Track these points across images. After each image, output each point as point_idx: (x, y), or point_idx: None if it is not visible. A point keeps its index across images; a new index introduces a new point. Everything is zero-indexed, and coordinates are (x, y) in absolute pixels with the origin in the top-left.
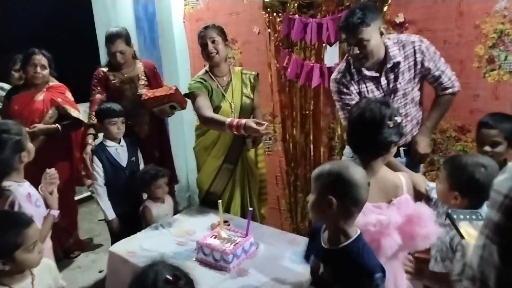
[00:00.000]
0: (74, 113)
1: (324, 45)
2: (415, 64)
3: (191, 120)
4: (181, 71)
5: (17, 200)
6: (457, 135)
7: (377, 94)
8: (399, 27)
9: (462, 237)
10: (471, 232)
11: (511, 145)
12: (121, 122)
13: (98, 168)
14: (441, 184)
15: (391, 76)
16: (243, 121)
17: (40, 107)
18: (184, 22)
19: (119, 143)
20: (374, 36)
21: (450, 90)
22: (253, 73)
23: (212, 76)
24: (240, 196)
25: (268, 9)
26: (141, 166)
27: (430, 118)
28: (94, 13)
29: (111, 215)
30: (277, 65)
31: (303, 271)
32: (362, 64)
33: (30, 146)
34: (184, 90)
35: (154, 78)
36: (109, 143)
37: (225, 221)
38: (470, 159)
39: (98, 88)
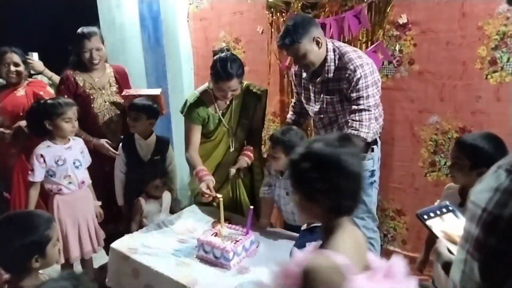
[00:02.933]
0: None
1: None
2: (345, 89)
3: None
4: (184, 69)
5: (33, 154)
6: (459, 136)
7: (311, 97)
8: (402, 28)
9: (435, 236)
10: (444, 227)
11: (474, 167)
12: (134, 118)
13: (121, 155)
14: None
15: (324, 88)
16: (204, 177)
17: (23, 101)
18: (188, 21)
19: (146, 138)
20: (309, 48)
21: (352, 132)
22: (260, 89)
23: (213, 96)
24: (231, 201)
25: (272, 9)
26: (172, 165)
27: None
28: (99, 12)
29: (120, 201)
30: (280, 65)
31: None
32: (306, 71)
33: (64, 124)
34: (187, 88)
35: (124, 83)
36: (136, 136)
37: (226, 219)
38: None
39: (66, 96)
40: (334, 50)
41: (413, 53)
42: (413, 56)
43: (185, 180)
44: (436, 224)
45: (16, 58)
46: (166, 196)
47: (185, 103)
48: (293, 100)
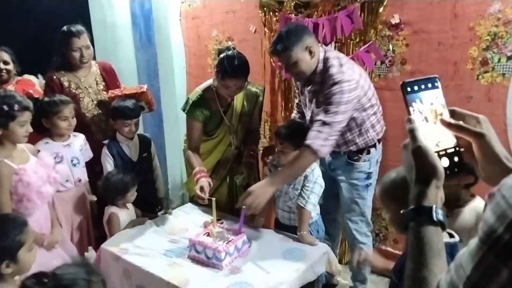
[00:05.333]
0: None
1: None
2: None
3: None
4: (176, 68)
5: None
6: None
7: (306, 103)
8: (395, 28)
9: (409, 113)
10: (423, 107)
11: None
12: (134, 123)
13: (107, 163)
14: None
15: (313, 97)
16: (201, 180)
17: None
18: (180, 19)
19: (131, 139)
20: (301, 57)
21: (307, 142)
22: (259, 88)
23: (216, 94)
24: (228, 200)
25: (265, 8)
26: (154, 162)
27: (282, 169)
28: (90, 10)
29: None
30: (273, 64)
31: (296, 268)
32: (297, 80)
33: (60, 122)
34: (179, 87)
35: (112, 79)
36: (121, 138)
37: (218, 219)
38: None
39: None
40: (324, 61)
41: (405, 53)
42: (405, 56)
43: (177, 179)
44: (416, 102)
45: (5, 56)
46: (131, 206)
47: (187, 101)
48: (296, 100)
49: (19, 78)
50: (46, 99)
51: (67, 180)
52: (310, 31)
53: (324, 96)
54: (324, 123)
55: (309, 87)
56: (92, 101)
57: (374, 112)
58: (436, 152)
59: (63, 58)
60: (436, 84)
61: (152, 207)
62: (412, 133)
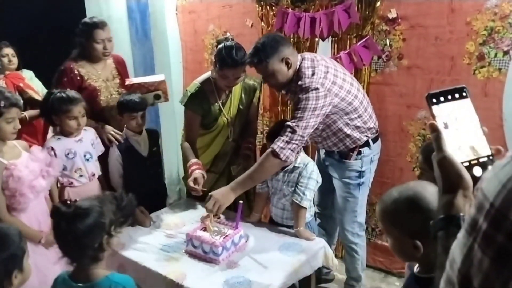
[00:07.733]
0: (37, 97)
1: (316, 39)
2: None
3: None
4: (173, 63)
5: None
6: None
7: None
8: (392, 23)
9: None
10: (448, 119)
11: None
12: (140, 116)
13: (117, 157)
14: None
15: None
16: (195, 172)
17: None
18: (176, 14)
19: (140, 133)
20: (277, 68)
21: (272, 146)
22: (257, 81)
23: (214, 86)
24: None
25: (262, 2)
26: (164, 156)
27: (246, 173)
28: (86, 3)
29: None
30: None
31: (292, 262)
32: (276, 90)
33: (69, 121)
34: (176, 82)
35: (125, 73)
36: (130, 134)
37: (215, 214)
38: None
39: (68, 88)
40: (297, 72)
41: (402, 48)
42: (402, 51)
43: (174, 175)
44: (442, 113)
45: (11, 50)
46: None
47: (185, 93)
48: None
49: (8, 72)
50: (58, 94)
51: (81, 175)
52: (287, 42)
53: (294, 103)
54: (288, 127)
55: (288, 96)
56: (111, 94)
57: (359, 114)
58: (468, 161)
59: (83, 50)
60: (464, 94)
61: (160, 200)
62: (437, 142)
